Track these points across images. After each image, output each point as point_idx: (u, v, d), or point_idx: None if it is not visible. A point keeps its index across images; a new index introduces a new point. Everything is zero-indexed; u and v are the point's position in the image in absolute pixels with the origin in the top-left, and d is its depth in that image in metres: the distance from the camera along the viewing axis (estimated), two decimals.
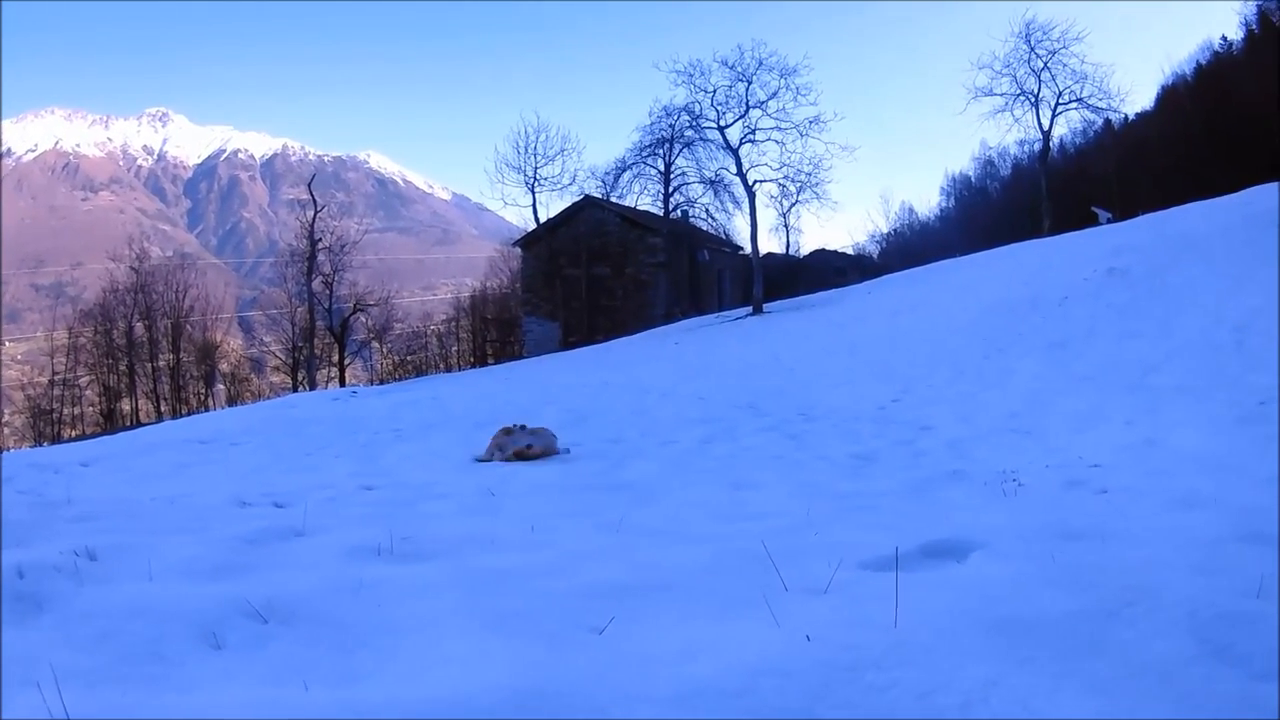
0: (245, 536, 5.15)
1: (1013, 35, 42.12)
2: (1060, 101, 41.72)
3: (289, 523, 5.65)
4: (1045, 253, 25.01)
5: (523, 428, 10.92)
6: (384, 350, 57.85)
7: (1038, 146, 44.50)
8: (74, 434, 47.93)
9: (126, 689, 2.69)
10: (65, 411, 53.51)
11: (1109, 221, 35.22)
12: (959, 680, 2.28)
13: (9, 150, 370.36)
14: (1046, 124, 42.37)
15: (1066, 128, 47.83)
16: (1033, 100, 41.95)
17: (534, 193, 47.32)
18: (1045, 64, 41.31)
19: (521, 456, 10.45)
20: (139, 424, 41.27)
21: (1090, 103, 41.69)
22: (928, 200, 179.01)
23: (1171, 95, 60.63)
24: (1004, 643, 2.48)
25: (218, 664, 3.12)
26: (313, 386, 43.89)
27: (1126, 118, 54.52)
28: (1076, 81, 41.19)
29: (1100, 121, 49.52)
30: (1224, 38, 59.32)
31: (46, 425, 51.43)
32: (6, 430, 55.50)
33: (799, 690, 2.26)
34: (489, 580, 3.91)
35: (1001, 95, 42.51)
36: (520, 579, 3.91)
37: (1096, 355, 13.11)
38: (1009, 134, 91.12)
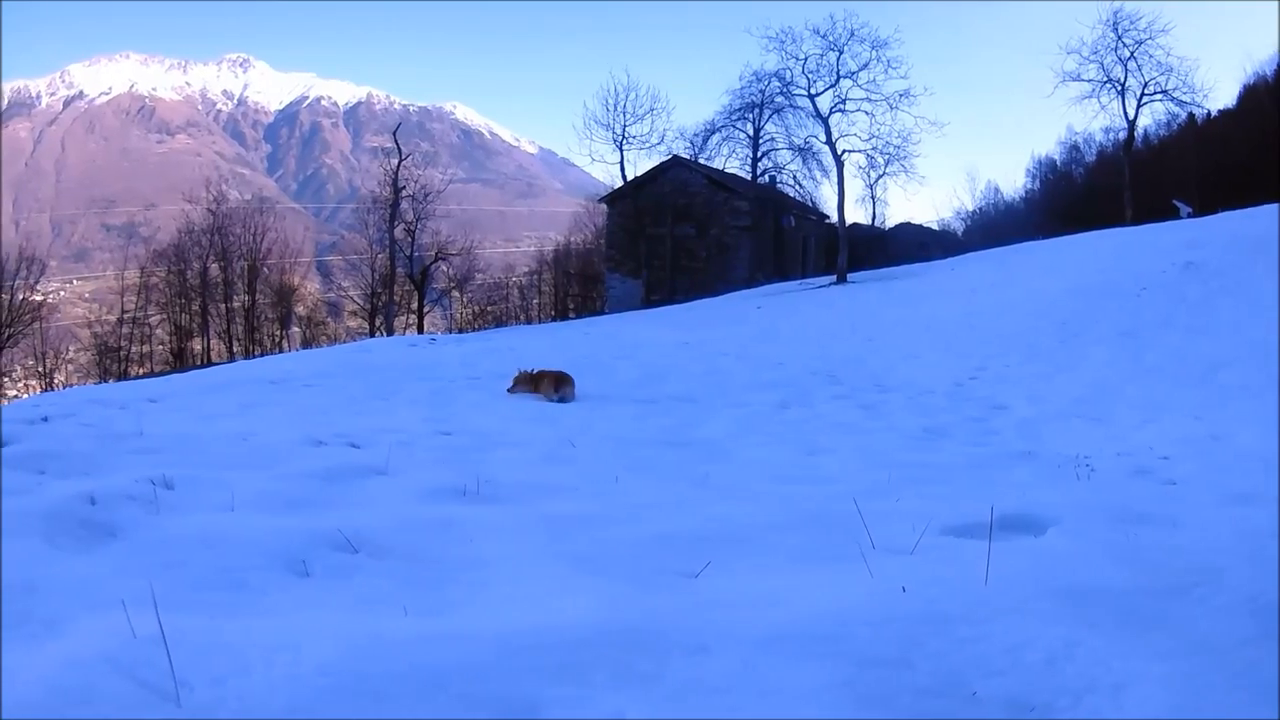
0: (322, 474, 5.26)
1: (1101, 23, 41.63)
2: (1145, 92, 41.41)
3: (368, 462, 5.76)
4: (1125, 242, 24.89)
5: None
6: (464, 300, 58.08)
7: (1122, 135, 44.12)
8: (142, 372, 48.19)
9: (211, 613, 2.72)
10: (134, 350, 53.74)
11: (1189, 215, 34.77)
12: (1042, 638, 2.35)
13: (81, 93, 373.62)
14: (1132, 113, 42.04)
15: (1151, 118, 47.44)
16: (1119, 89, 41.64)
17: (622, 150, 47.44)
18: (1132, 53, 40.99)
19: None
20: (210, 363, 41.63)
21: (1175, 95, 41.36)
22: (1013, 181, 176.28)
23: (1252, 95, 59.42)
24: (1080, 609, 2.55)
25: (304, 591, 3.17)
26: (390, 333, 44.06)
27: (1209, 113, 53.48)
28: (1162, 73, 40.96)
29: (1184, 115, 48.98)
30: None
31: (113, 363, 51.76)
32: (70, 367, 56.26)
33: (892, 637, 2.34)
34: (571, 524, 3.98)
35: (1089, 81, 42.26)
36: (601, 525, 3.98)
37: (1167, 347, 13.23)
38: (1095, 120, 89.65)
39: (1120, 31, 40.80)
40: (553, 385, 11.56)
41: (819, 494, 5.01)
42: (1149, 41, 40.61)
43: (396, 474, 5.46)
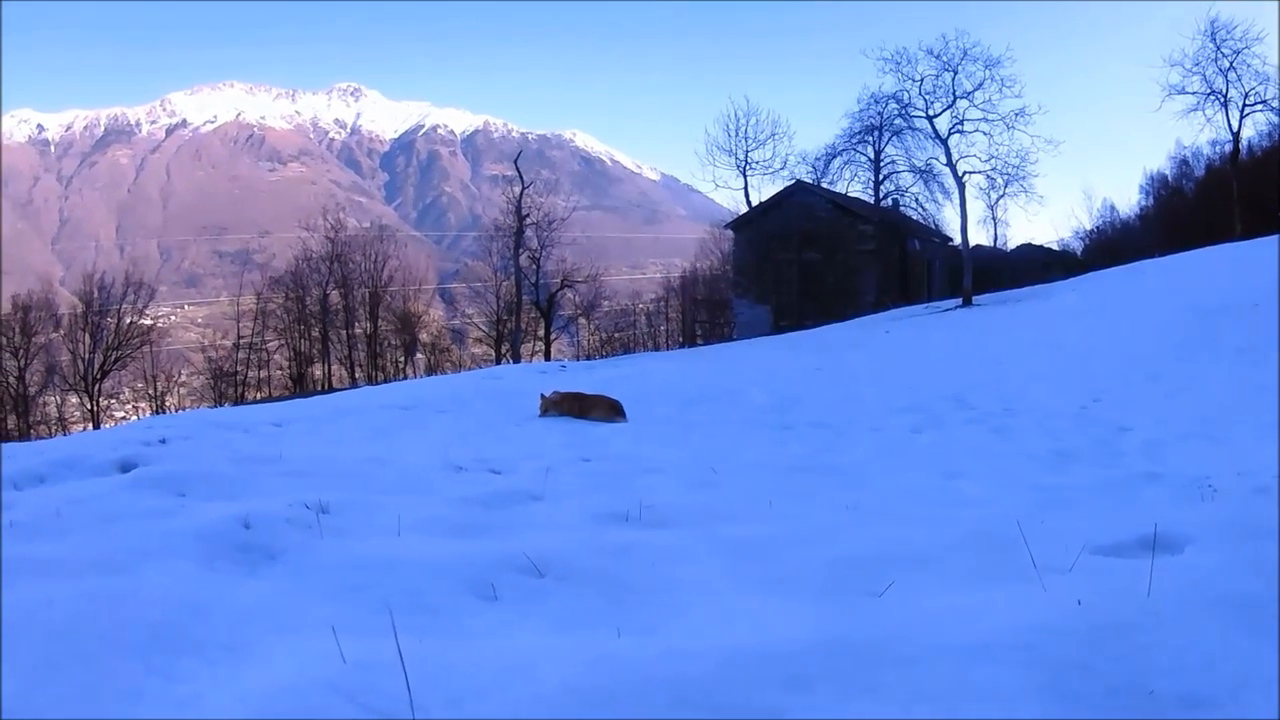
0: (481, 499, 5.37)
1: (1200, 33, 41.05)
2: (1247, 103, 40.59)
3: (522, 487, 5.87)
4: (1236, 257, 25.01)
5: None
6: (591, 327, 58.66)
7: (1228, 148, 43.37)
8: (259, 396, 49.28)
9: (413, 637, 2.71)
10: (250, 374, 54.84)
11: None
12: (1203, 641, 2.54)
13: (184, 121, 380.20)
14: (1236, 125, 41.38)
15: (1253, 129, 46.34)
16: (1222, 100, 40.99)
17: (745, 176, 47.96)
18: (1231, 64, 40.45)
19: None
20: (331, 389, 42.07)
21: (1274, 105, 40.56)
22: (1128, 198, 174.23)
23: None
24: (1229, 616, 2.72)
25: (497, 615, 3.22)
26: (516, 359, 44.40)
27: None
28: (1260, 83, 40.21)
29: None
30: None
31: (229, 386, 52.85)
32: (182, 390, 57.61)
33: (1077, 645, 2.51)
34: (743, 548, 4.06)
35: (1193, 94, 41.90)
36: (772, 548, 4.07)
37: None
38: (1201, 134, 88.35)
39: (1219, 41, 40.34)
40: (609, 409, 11.98)
41: (969, 517, 5.11)
42: (1246, 51, 39.96)
43: (553, 500, 5.57)
